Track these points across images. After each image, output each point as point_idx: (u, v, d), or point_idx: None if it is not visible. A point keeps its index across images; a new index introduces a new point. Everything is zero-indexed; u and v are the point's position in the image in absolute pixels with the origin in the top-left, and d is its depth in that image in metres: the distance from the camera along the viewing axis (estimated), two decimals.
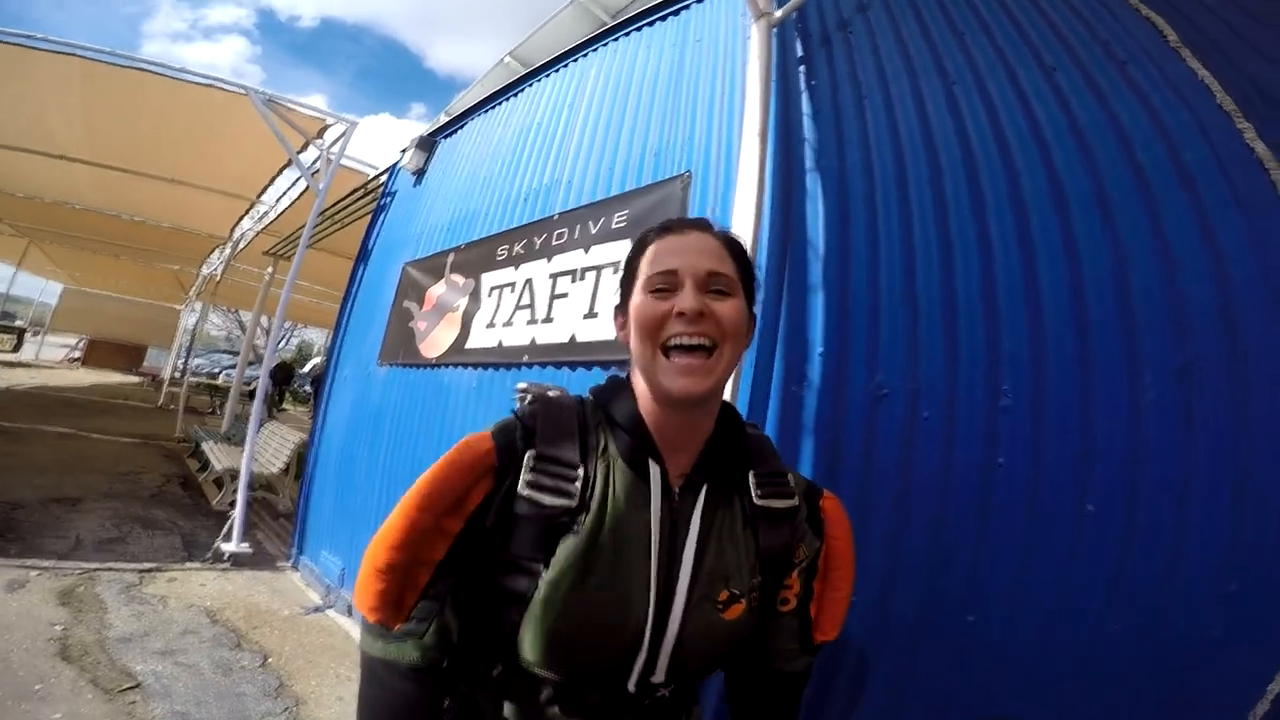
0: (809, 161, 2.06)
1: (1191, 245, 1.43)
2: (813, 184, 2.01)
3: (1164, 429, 1.36)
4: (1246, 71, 1.60)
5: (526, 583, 0.71)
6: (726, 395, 1.69)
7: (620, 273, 0.84)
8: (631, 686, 0.73)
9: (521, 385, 0.86)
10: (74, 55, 4.64)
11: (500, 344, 2.85)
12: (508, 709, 0.76)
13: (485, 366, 2.93)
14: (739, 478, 0.80)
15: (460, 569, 0.74)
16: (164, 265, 13.77)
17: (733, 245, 0.80)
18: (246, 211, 8.13)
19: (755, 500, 0.79)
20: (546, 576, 0.70)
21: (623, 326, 0.81)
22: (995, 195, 1.69)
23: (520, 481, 0.73)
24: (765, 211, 2.00)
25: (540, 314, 2.69)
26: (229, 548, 4.14)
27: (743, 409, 1.81)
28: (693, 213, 2.28)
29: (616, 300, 0.83)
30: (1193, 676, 1.30)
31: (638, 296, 0.77)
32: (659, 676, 0.73)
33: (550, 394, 0.83)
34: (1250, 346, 1.32)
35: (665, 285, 0.74)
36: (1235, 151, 1.49)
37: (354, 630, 3.37)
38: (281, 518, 5.69)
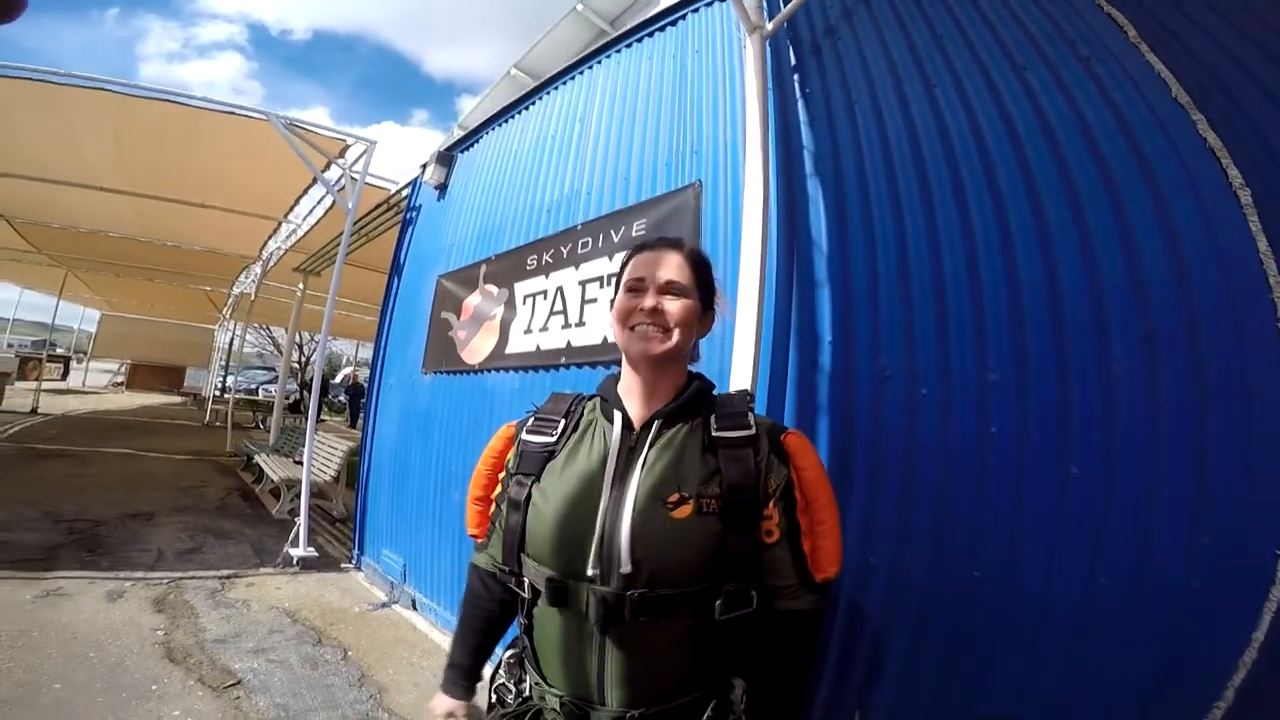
0: (809, 167, 2.26)
1: (1150, 228, 1.61)
2: (813, 188, 2.22)
3: (1133, 393, 1.55)
4: (1202, 61, 1.75)
5: (522, 492, 1.04)
6: (746, 383, 1.94)
7: (617, 274, 1.15)
8: (590, 571, 0.94)
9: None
10: (102, 89, 4.91)
11: (539, 348, 3.11)
12: (536, 614, 1.03)
13: (526, 369, 3.18)
14: (703, 419, 1.05)
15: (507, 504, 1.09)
16: (196, 287, 14.24)
17: (694, 260, 1.10)
18: (274, 231, 8.46)
19: (714, 432, 1.02)
20: (537, 487, 1.04)
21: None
22: (975, 189, 1.87)
23: (522, 430, 1.13)
24: (772, 217, 2.21)
25: (574, 319, 2.94)
26: (296, 552, 4.44)
27: (763, 395, 2.05)
28: (705, 220, 2.50)
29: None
30: (1180, 629, 1.44)
31: (618, 294, 1.10)
32: (625, 566, 0.92)
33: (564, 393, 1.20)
34: (1203, 317, 1.51)
35: (637, 287, 1.07)
36: (1190, 142, 1.66)
37: (419, 622, 3.63)
38: (337, 522, 6.01)
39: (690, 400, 1.06)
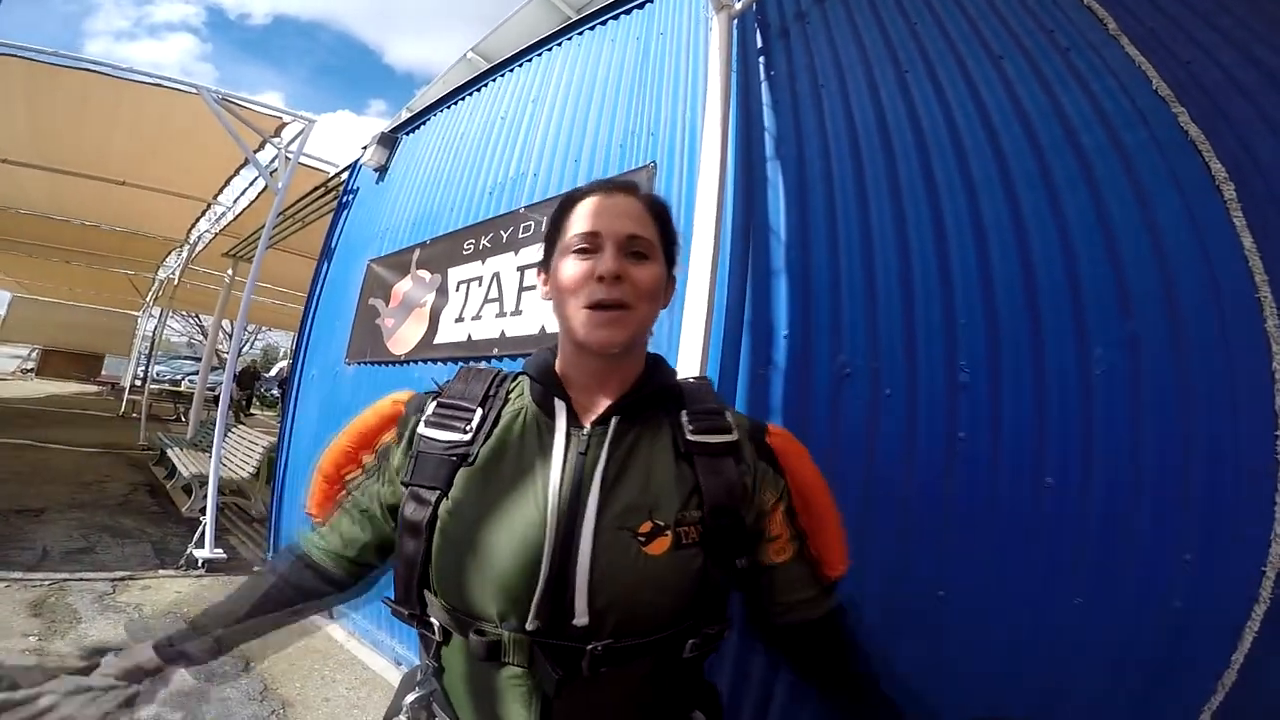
0: (769, 150, 2.10)
1: (1132, 224, 1.49)
2: (773, 172, 2.05)
3: (1113, 399, 1.42)
4: (1181, 58, 1.67)
5: (424, 512, 0.76)
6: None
7: (545, 229, 0.86)
8: (530, 624, 0.70)
9: None
10: (14, 56, 4.47)
11: (470, 338, 2.84)
12: (447, 657, 0.79)
13: (456, 361, 2.91)
14: (671, 416, 0.81)
15: (368, 495, 0.86)
16: (118, 270, 13.32)
17: (655, 208, 0.83)
18: (203, 213, 7.92)
19: (689, 436, 0.79)
20: (445, 505, 0.76)
21: (545, 283, 0.84)
22: (947, 179, 1.74)
23: (420, 423, 0.82)
24: (728, 199, 2.03)
25: (509, 307, 2.69)
26: (202, 554, 4.10)
27: None
28: None
29: (539, 257, 0.86)
30: (1160, 651, 1.34)
31: (561, 256, 0.80)
32: (580, 617, 0.70)
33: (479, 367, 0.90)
34: (1188, 318, 1.39)
35: (588, 246, 0.77)
36: (1171, 135, 1.56)
37: (336, 631, 3.36)
38: (255, 522, 5.63)
39: (657, 391, 0.82)
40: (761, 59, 2.31)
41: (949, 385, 1.56)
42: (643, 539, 0.72)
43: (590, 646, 0.70)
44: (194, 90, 4.69)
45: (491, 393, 0.84)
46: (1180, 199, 1.49)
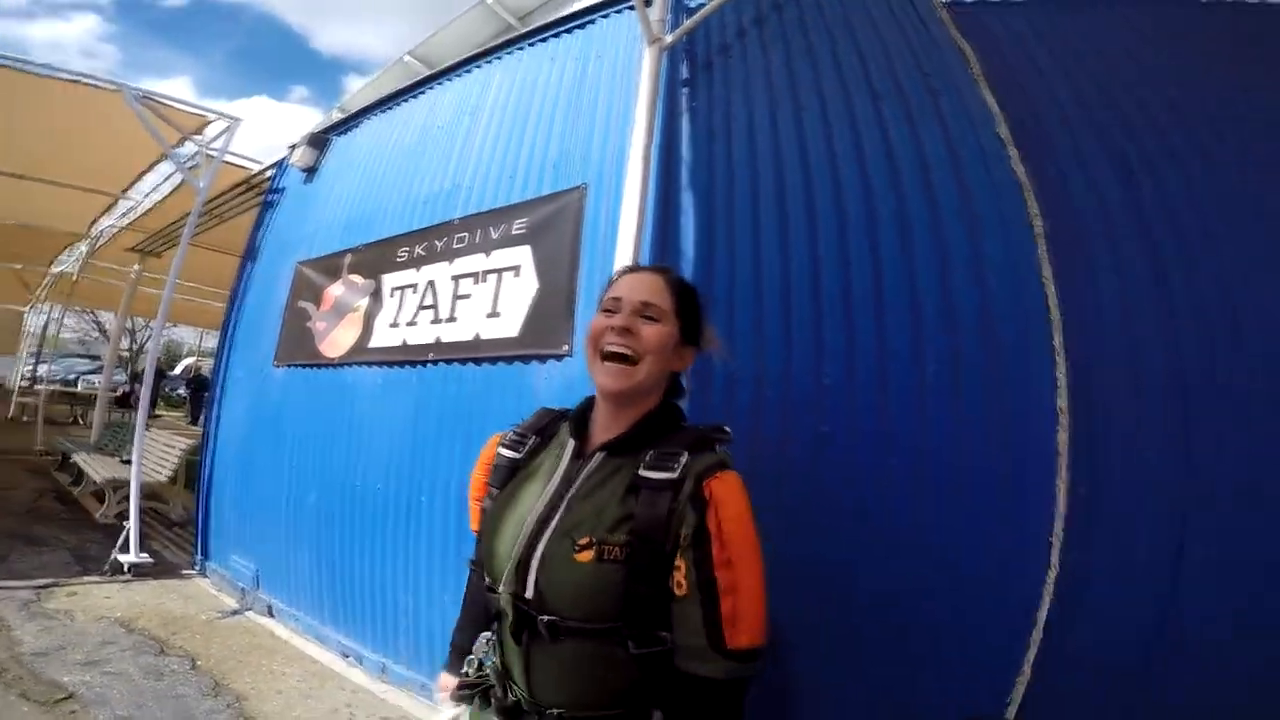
0: (684, 180, 2.35)
1: (963, 255, 1.84)
2: (687, 201, 2.30)
3: (939, 400, 1.76)
4: (1029, 95, 2.04)
5: (489, 503, 1.07)
6: None
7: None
8: (502, 588, 0.96)
9: None
10: None
11: (405, 343, 2.97)
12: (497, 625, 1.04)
13: (390, 365, 3.03)
14: (643, 456, 0.96)
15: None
16: (5, 265, 12.23)
17: (675, 285, 1.06)
18: (109, 207, 7.46)
19: (639, 472, 0.93)
20: (495, 498, 1.07)
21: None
22: (824, 211, 2.05)
23: (500, 446, 1.12)
24: (648, 224, 2.26)
25: (444, 314, 2.84)
26: (128, 559, 4.01)
27: None
28: (586, 224, 2.52)
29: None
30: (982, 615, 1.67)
31: (595, 315, 1.06)
32: (528, 591, 0.93)
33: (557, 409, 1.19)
34: (1002, 336, 1.75)
35: (612, 308, 1.03)
36: (1003, 176, 1.92)
37: (278, 629, 3.41)
38: (175, 526, 5.46)
39: (637, 433, 0.99)
40: (686, 90, 2.53)
41: (816, 388, 1.88)
42: (576, 549, 0.91)
43: (539, 616, 0.91)
44: (114, 88, 4.49)
45: (549, 426, 1.12)
46: (1003, 234, 1.85)
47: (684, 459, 0.92)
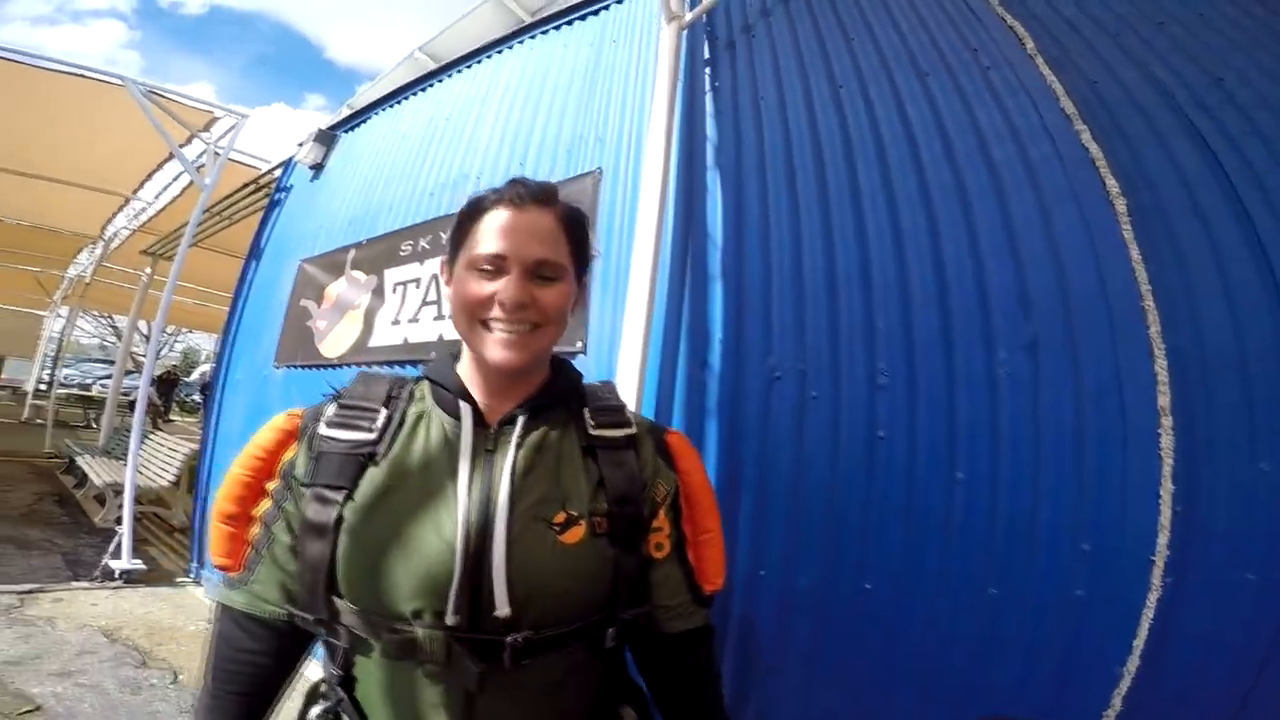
0: (710, 159, 2.15)
1: (1034, 233, 1.61)
2: (712, 180, 2.10)
3: (1016, 398, 1.52)
4: (1088, 77, 1.83)
5: (329, 513, 0.73)
6: (633, 383, 1.74)
7: (453, 227, 0.83)
8: (450, 619, 0.69)
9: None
10: None
11: (406, 341, 2.78)
12: (360, 666, 0.75)
13: (391, 364, 2.83)
14: (575, 415, 0.82)
15: (285, 526, 0.78)
16: (22, 267, 12.35)
17: (569, 221, 0.80)
18: (121, 208, 7.44)
19: (590, 430, 0.80)
20: (352, 505, 0.73)
21: (449, 281, 0.82)
22: (871, 188, 1.83)
23: (320, 426, 0.78)
24: (670, 207, 2.06)
25: (447, 310, 2.64)
26: (119, 565, 3.88)
27: (651, 396, 1.87)
28: (602, 209, 2.31)
29: (445, 255, 0.83)
30: (1068, 638, 1.43)
31: (463, 270, 0.77)
32: (501, 608, 0.69)
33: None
34: (1081, 324, 1.51)
35: (493, 267, 0.74)
36: (1073, 150, 1.70)
37: None
38: (176, 532, 5.34)
39: (563, 390, 0.82)
40: (708, 69, 2.36)
41: (869, 387, 1.64)
42: (558, 529, 0.73)
43: (510, 639, 0.69)
44: (118, 81, 4.42)
45: (394, 394, 0.80)
46: (1078, 211, 1.62)
47: (628, 413, 0.85)
